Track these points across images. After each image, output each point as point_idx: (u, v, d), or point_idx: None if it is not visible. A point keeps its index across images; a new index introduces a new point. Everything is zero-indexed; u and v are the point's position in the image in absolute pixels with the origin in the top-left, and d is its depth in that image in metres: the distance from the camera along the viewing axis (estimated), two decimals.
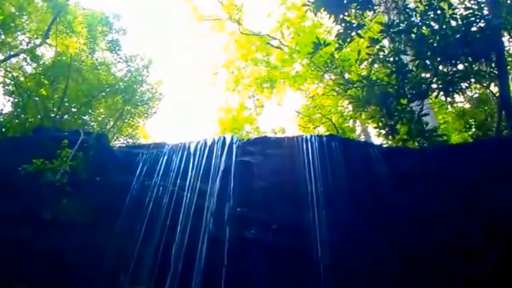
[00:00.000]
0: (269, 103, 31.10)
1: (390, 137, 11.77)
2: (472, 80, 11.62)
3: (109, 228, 9.15)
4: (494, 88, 12.70)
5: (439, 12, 10.96)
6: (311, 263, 8.46)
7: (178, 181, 10.30)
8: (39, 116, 15.11)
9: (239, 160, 10.80)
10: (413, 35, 11.14)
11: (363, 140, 21.01)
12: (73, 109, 17.18)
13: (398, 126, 11.52)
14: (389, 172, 9.79)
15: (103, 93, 17.34)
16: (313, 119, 22.49)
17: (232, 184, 10.11)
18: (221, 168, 10.53)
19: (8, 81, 16.41)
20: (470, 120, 14.55)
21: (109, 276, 8.54)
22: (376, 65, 12.38)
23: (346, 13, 11.40)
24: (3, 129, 14.31)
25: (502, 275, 8.04)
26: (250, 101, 30.76)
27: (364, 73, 13.06)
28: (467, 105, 15.75)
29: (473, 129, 14.06)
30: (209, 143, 11.43)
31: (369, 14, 12.26)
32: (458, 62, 11.15)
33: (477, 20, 10.96)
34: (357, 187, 9.64)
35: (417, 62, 11.31)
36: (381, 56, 11.55)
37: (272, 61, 29.45)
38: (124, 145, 17.49)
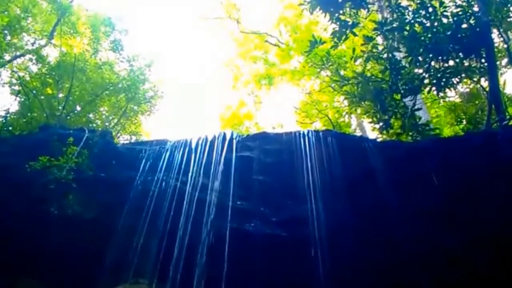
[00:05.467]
0: (267, 99, 31.09)
1: (384, 131, 11.80)
2: (463, 75, 11.67)
3: (113, 222, 9.16)
4: (484, 83, 12.72)
5: (430, 10, 10.99)
6: (309, 253, 8.49)
7: (180, 176, 10.30)
8: (44, 115, 15.04)
9: (239, 155, 10.81)
10: (405, 33, 11.17)
11: (358, 134, 21.00)
12: (78, 108, 17.13)
13: (392, 121, 11.57)
14: (384, 165, 9.79)
15: (107, 92, 17.28)
16: (310, 114, 22.48)
17: (232, 178, 10.12)
18: (222, 163, 10.53)
19: (14, 81, 16.33)
20: (461, 114, 14.54)
21: (113, 269, 8.55)
22: (370, 62, 12.38)
23: (341, 12, 11.42)
24: (10, 128, 14.31)
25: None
26: (250, 98, 30.71)
27: (359, 69, 13.05)
28: (458, 100, 15.74)
29: (464, 123, 14.04)
30: (210, 139, 11.43)
31: (363, 12, 12.27)
32: (449, 58, 11.20)
33: (467, 17, 10.98)
34: (353, 179, 9.66)
35: (409, 58, 11.34)
36: (375, 53, 11.58)
37: (270, 58, 29.47)
38: (127, 142, 17.47)
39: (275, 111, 48.99)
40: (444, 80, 11.25)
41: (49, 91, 16.40)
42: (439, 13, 10.96)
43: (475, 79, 12.74)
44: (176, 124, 49.92)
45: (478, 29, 10.91)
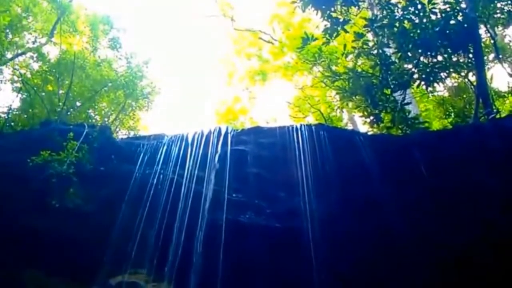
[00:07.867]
0: (261, 95, 31.06)
1: (375, 125, 11.83)
2: (451, 70, 11.71)
3: (113, 214, 9.13)
4: (472, 77, 12.72)
5: (419, 6, 11.01)
6: (303, 245, 8.47)
7: (177, 169, 10.26)
8: (45, 111, 15.01)
9: (234, 149, 10.77)
10: (395, 29, 11.18)
11: (349, 128, 21.00)
12: (78, 104, 17.09)
13: (382, 115, 11.60)
14: (375, 157, 9.79)
15: (106, 88, 17.28)
16: (303, 109, 22.49)
17: (227, 171, 10.09)
18: (217, 156, 10.51)
19: (16, 78, 16.31)
20: (450, 108, 14.58)
21: (113, 259, 8.53)
22: (361, 58, 12.38)
23: (333, 9, 11.42)
24: (12, 124, 14.29)
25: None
26: (244, 93, 30.68)
27: (350, 65, 13.05)
28: (447, 94, 15.75)
29: (453, 116, 14.08)
30: (205, 133, 11.40)
31: (354, 9, 12.27)
32: (437, 53, 11.22)
33: (455, 14, 11.01)
34: (344, 172, 9.64)
35: (399, 54, 11.35)
36: (365, 49, 11.58)
37: (264, 55, 29.43)
38: (126, 136, 17.39)
39: (269, 106, 49.21)
40: (432, 75, 11.27)
41: (50, 88, 16.39)
42: (428, 10, 10.96)
43: (463, 74, 12.75)
44: (173, 119, 49.91)
45: (466, 25, 10.92)
